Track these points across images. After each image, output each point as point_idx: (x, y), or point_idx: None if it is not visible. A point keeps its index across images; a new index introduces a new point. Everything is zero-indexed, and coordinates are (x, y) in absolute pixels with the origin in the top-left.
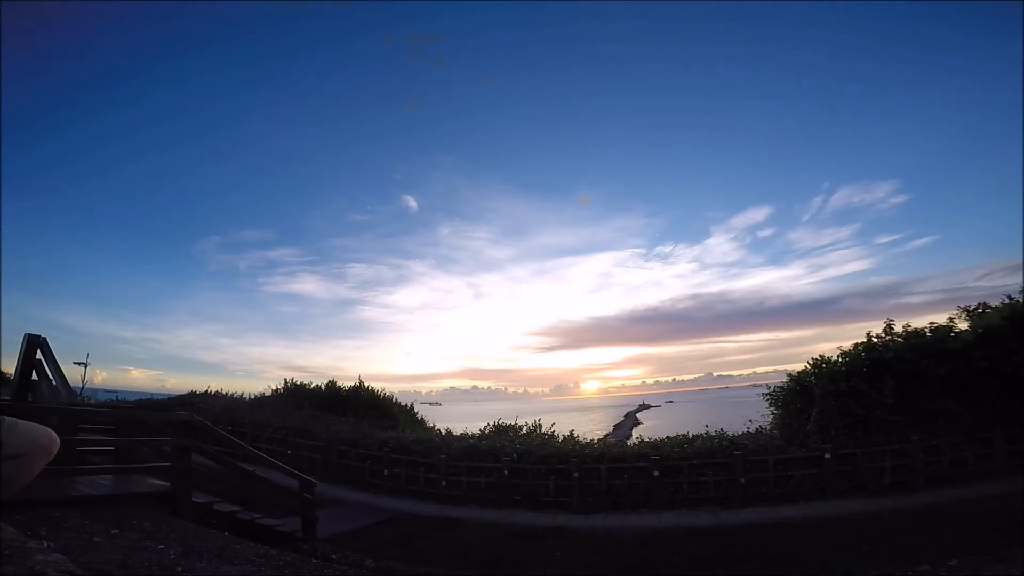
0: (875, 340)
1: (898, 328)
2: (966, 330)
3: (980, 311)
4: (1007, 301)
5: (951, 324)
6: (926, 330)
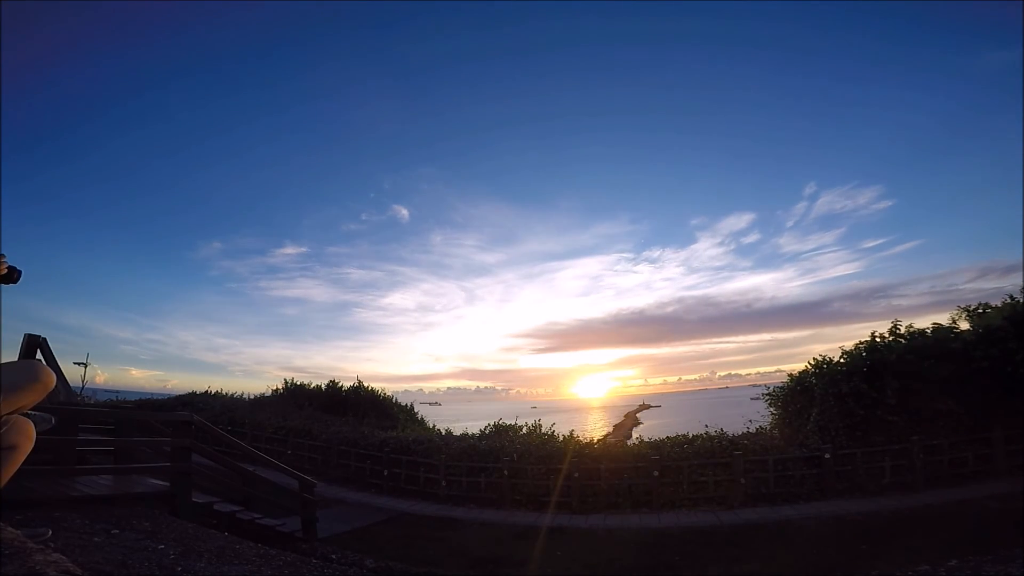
0: (878, 340)
1: (899, 328)
2: (967, 330)
3: (981, 311)
4: (1007, 301)
5: (952, 324)
6: (927, 330)
